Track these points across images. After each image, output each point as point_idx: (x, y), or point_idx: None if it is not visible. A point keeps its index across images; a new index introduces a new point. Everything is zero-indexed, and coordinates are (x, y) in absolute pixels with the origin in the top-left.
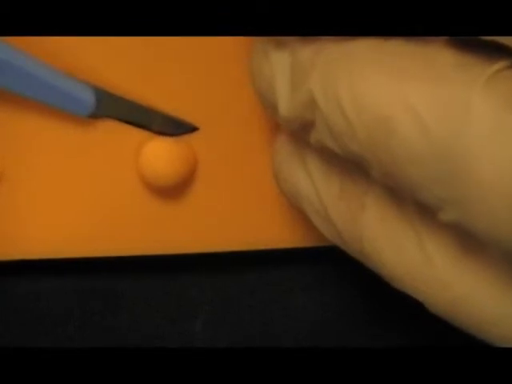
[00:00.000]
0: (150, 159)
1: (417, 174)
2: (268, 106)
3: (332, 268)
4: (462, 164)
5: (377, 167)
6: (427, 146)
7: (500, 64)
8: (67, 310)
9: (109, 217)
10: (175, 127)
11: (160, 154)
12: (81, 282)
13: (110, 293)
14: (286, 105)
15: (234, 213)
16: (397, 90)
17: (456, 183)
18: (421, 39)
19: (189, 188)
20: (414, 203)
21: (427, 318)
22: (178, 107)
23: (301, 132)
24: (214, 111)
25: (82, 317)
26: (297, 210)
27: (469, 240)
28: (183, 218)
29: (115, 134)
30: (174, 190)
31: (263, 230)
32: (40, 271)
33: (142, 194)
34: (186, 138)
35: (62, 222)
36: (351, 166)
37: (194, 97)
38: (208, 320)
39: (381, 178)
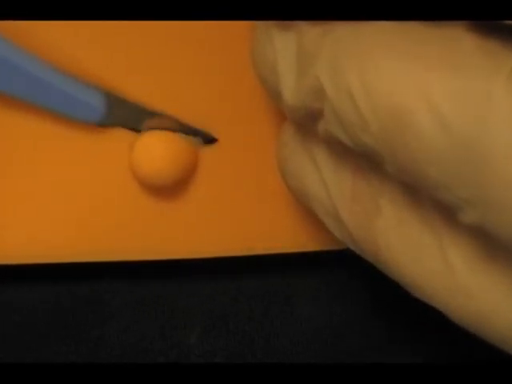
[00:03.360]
0: (143, 156)
1: (434, 171)
2: (272, 93)
3: (341, 274)
4: (485, 161)
5: (391, 162)
6: (446, 141)
7: None
8: (49, 321)
9: (99, 218)
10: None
11: (155, 150)
12: (65, 290)
13: (96, 301)
14: (291, 92)
15: (232, 214)
16: (412, 77)
17: (477, 182)
18: (439, 23)
19: (187, 187)
20: (434, 203)
21: (449, 331)
22: (176, 98)
23: (308, 122)
24: (214, 103)
25: (65, 329)
26: (305, 209)
27: (492, 245)
28: (179, 221)
29: (107, 130)
30: (171, 190)
31: (266, 232)
32: (20, 278)
33: (136, 193)
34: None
35: (45, 225)
36: (364, 162)
37: (193, 88)
38: (204, 331)
39: (396, 174)
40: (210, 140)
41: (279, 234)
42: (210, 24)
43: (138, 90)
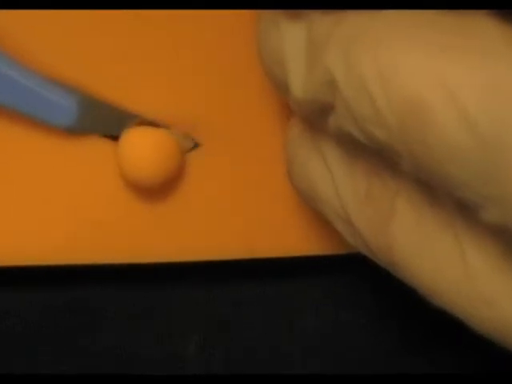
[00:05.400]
0: (129, 155)
1: (455, 168)
2: (279, 87)
3: (348, 279)
4: (509, 158)
5: (408, 159)
6: (468, 136)
7: None
8: (37, 328)
9: (86, 220)
10: None
11: (141, 148)
12: (53, 296)
13: (87, 308)
14: (300, 85)
15: (232, 215)
16: (432, 67)
17: (501, 179)
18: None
19: (184, 188)
20: (453, 203)
21: (464, 339)
22: (169, 89)
23: (318, 118)
24: (212, 95)
25: (54, 337)
26: (310, 211)
27: None
28: (175, 222)
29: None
30: (166, 190)
31: (268, 235)
32: (6, 282)
33: (123, 194)
34: (176, 127)
35: (30, 227)
36: (379, 161)
37: (188, 79)
38: (203, 340)
39: (412, 172)
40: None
41: (282, 237)
42: (206, 15)
43: (119, 92)
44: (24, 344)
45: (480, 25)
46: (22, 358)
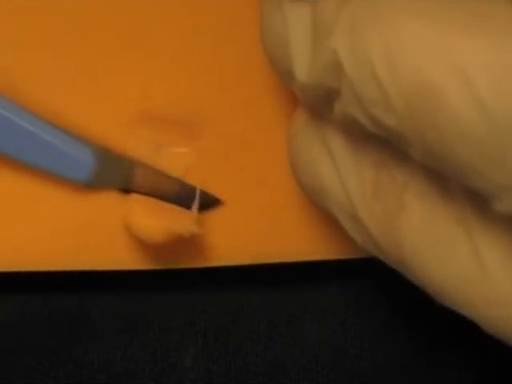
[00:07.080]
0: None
1: (468, 155)
2: (283, 73)
3: (358, 286)
4: None
5: (417, 146)
6: (481, 120)
7: None
8: (26, 339)
9: (80, 228)
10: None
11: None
12: (43, 305)
13: (78, 317)
14: (304, 69)
15: (234, 216)
16: (442, 48)
17: None
18: None
19: None
20: (466, 195)
21: (474, 343)
22: (169, 86)
23: (323, 105)
24: (212, 92)
25: (45, 347)
26: (318, 214)
27: None
28: None
29: None
30: None
31: (271, 239)
32: None
33: None
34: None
35: (25, 232)
36: (387, 151)
37: (189, 74)
38: (200, 352)
39: (423, 160)
40: (212, 202)
41: (286, 240)
42: (205, 7)
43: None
44: (8, 351)
45: (493, 7)
46: (8, 367)
